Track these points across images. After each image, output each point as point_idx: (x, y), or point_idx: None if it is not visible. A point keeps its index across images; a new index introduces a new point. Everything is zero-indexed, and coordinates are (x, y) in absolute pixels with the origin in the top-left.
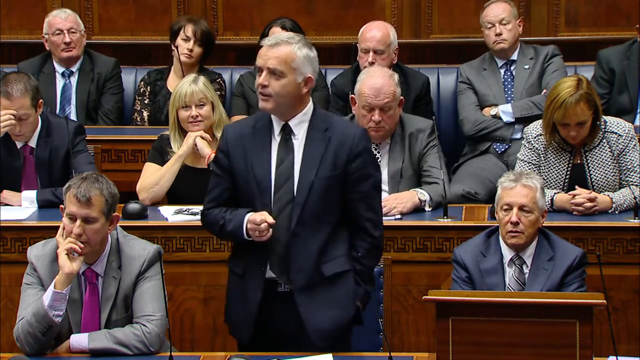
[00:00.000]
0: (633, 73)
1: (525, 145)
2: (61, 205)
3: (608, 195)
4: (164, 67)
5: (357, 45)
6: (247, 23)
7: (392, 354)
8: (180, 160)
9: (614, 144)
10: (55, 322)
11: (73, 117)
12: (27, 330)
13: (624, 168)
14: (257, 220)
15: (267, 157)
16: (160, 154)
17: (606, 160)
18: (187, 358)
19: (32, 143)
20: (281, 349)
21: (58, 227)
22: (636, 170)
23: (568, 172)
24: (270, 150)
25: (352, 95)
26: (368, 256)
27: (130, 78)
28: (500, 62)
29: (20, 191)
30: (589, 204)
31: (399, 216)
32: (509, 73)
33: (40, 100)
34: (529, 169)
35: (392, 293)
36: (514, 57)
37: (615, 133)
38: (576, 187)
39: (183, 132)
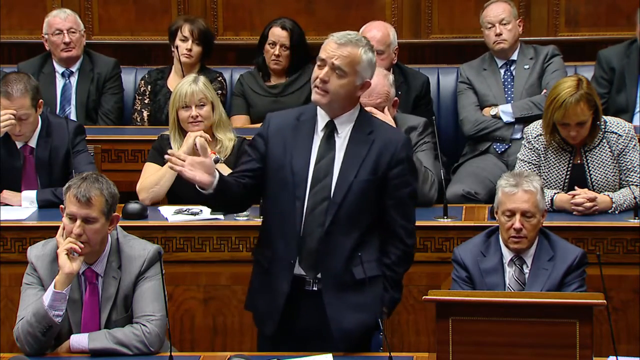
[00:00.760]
0: (632, 73)
1: (525, 145)
2: (61, 205)
3: (608, 195)
4: (165, 67)
5: None
6: (247, 23)
7: (392, 354)
8: None
9: (614, 144)
10: (55, 322)
11: (73, 117)
12: (27, 330)
13: (624, 168)
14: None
15: (307, 150)
16: (160, 154)
17: (606, 160)
18: (187, 358)
19: (32, 143)
20: (301, 346)
21: (58, 227)
22: (636, 170)
23: (568, 172)
24: (311, 144)
25: None
26: (399, 263)
27: (130, 78)
28: (500, 62)
29: (20, 191)
30: (589, 204)
31: None
32: (509, 73)
33: (40, 100)
34: (529, 169)
35: None
36: (514, 57)
37: (615, 133)
38: (576, 187)
39: (183, 132)
